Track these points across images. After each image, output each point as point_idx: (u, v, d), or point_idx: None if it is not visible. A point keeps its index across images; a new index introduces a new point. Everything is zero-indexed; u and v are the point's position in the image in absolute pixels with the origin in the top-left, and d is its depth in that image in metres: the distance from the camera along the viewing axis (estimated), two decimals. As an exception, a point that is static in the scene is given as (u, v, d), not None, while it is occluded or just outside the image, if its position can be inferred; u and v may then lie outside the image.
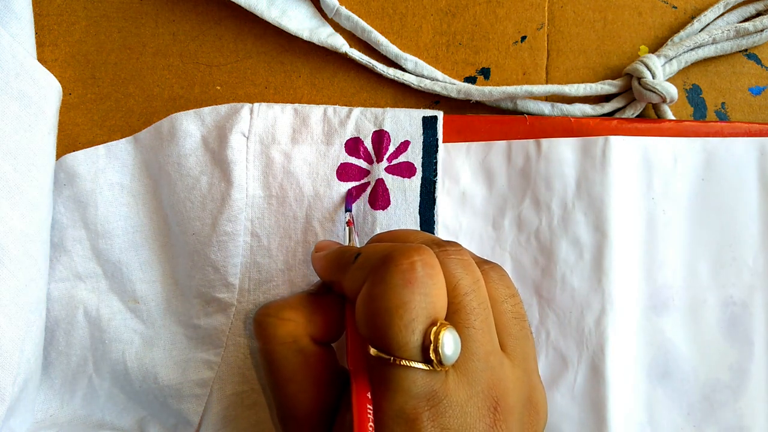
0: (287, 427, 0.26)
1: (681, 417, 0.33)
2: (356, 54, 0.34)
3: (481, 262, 0.26)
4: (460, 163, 0.33)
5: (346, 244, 0.30)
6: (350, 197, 0.31)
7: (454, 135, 0.33)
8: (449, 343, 0.21)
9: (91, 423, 0.32)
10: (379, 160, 0.32)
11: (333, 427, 0.25)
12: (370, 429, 0.21)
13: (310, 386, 0.25)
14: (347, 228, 0.30)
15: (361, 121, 0.32)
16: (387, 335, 0.21)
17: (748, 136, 0.34)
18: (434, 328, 0.21)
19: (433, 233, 0.31)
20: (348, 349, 0.25)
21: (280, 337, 0.25)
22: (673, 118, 0.35)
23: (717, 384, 0.33)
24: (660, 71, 0.34)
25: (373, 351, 0.22)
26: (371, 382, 0.23)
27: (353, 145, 0.32)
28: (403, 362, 0.21)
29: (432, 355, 0.21)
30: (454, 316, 0.23)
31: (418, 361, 0.21)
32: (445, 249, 0.24)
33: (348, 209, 0.31)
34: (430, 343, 0.21)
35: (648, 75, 0.33)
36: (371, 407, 0.22)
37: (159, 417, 0.32)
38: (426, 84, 0.35)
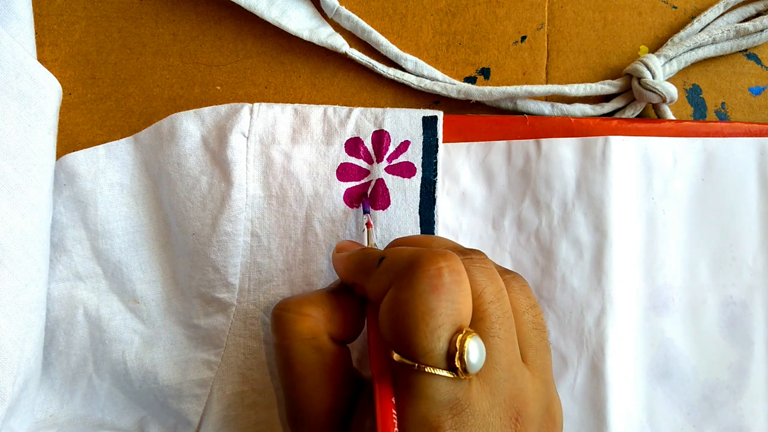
0: (296, 427, 0.26)
1: (681, 417, 0.33)
2: (356, 54, 0.34)
3: (503, 272, 0.26)
4: (460, 163, 0.33)
5: (366, 245, 0.30)
6: (366, 199, 0.31)
7: (454, 135, 0.33)
8: (474, 351, 0.21)
9: (91, 423, 0.32)
10: (379, 160, 0.32)
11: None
12: None
13: (324, 385, 0.25)
14: (366, 230, 0.30)
15: (361, 121, 0.32)
16: (412, 341, 0.21)
17: (748, 136, 0.34)
18: (460, 336, 0.21)
19: (433, 233, 0.31)
20: (370, 352, 0.25)
21: (298, 333, 0.25)
22: (673, 118, 0.35)
23: (717, 384, 0.33)
24: (660, 71, 0.34)
25: (396, 356, 0.22)
26: (394, 388, 0.22)
27: (353, 145, 0.32)
28: (428, 369, 0.21)
29: (457, 363, 0.21)
30: (478, 324, 0.23)
31: (442, 369, 0.21)
32: (469, 257, 0.24)
33: (366, 210, 0.31)
34: (456, 350, 0.21)
35: (648, 75, 0.33)
36: (395, 413, 0.22)
37: (159, 417, 0.32)
38: (426, 84, 0.35)
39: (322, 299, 0.26)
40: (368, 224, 0.30)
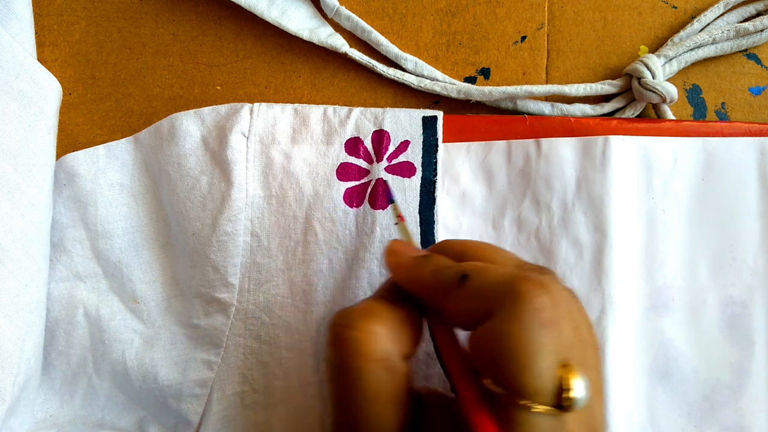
0: None
1: (681, 417, 0.33)
2: (356, 54, 0.34)
3: None
4: (460, 163, 0.33)
5: (400, 238, 0.28)
6: (389, 188, 0.31)
7: (454, 135, 0.33)
8: (580, 388, 0.20)
9: (91, 423, 0.32)
10: (379, 159, 0.32)
11: None
12: None
13: (394, 407, 0.23)
14: (400, 224, 0.29)
15: (360, 121, 0.32)
16: (519, 380, 0.20)
17: (748, 136, 0.34)
18: (565, 372, 0.20)
19: (433, 233, 0.31)
20: (453, 376, 0.23)
21: (370, 354, 0.23)
22: (673, 118, 0.35)
23: (717, 384, 0.33)
24: (660, 71, 0.34)
25: (493, 387, 0.21)
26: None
27: (353, 145, 0.32)
28: (535, 408, 0.20)
29: (564, 403, 0.20)
30: (573, 352, 0.22)
31: (548, 406, 0.20)
32: (549, 275, 0.23)
33: (392, 200, 0.30)
34: (565, 388, 0.20)
35: (648, 75, 0.33)
36: None
37: (159, 417, 0.32)
38: (426, 84, 0.35)
39: (387, 314, 0.24)
40: (400, 218, 0.29)
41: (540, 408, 0.20)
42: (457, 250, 0.26)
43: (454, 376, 0.23)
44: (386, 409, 0.23)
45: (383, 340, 0.23)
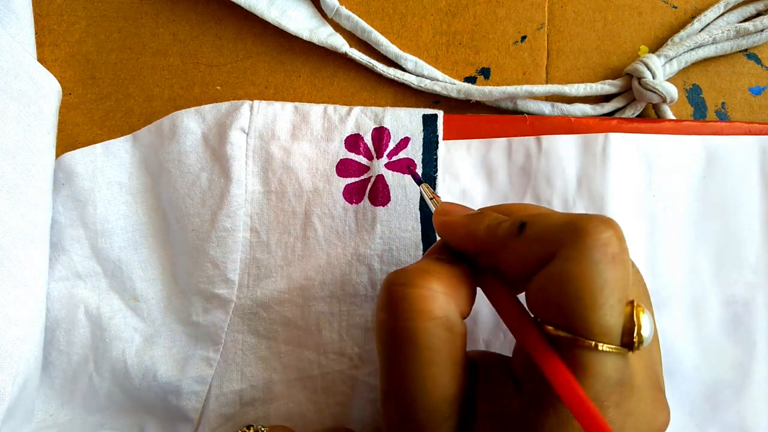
0: (406, 419, 0.23)
1: (683, 417, 0.32)
2: (356, 54, 0.34)
3: None
4: (461, 160, 0.33)
5: (432, 209, 0.27)
6: (415, 171, 0.31)
7: (454, 135, 0.33)
8: (647, 324, 0.20)
9: (91, 423, 0.32)
10: (379, 156, 0.32)
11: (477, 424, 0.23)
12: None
13: (452, 369, 0.22)
14: (423, 192, 0.28)
15: (361, 118, 0.32)
16: (588, 318, 0.19)
17: (748, 135, 0.34)
18: (632, 309, 0.20)
19: (434, 230, 0.31)
20: (514, 327, 0.22)
21: (429, 312, 0.22)
22: (673, 118, 0.35)
23: (719, 383, 0.33)
24: (660, 71, 0.34)
25: (558, 332, 0.20)
26: None
27: (353, 142, 0.32)
28: (603, 347, 0.20)
29: (634, 338, 0.20)
30: (635, 290, 0.22)
31: (617, 345, 0.20)
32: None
33: (420, 181, 0.29)
34: (633, 325, 0.20)
35: (648, 75, 0.33)
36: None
37: (159, 415, 0.32)
38: (426, 84, 0.35)
39: (444, 272, 0.23)
40: (436, 196, 0.28)
41: (607, 347, 0.20)
42: (502, 210, 0.25)
43: (516, 328, 0.22)
44: (444, 371, 0.22)
45: (442, 297, 0.22)
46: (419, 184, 0.29)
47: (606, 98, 0.36)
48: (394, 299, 0.22)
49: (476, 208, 0.30)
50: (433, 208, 0.27)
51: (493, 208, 0.26)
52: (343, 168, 0.32)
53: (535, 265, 0.21)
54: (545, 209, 0.25)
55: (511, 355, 0.25)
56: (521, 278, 0.22)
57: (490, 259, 0.23)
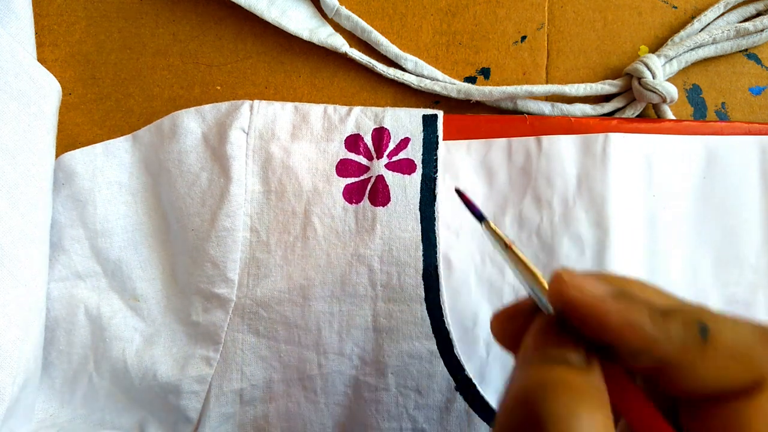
0: None
1: (683, 417, 0.32)
2: (356, 54, 0.34)
3: None
4: (461, 161, 0.33)
5: (516, 270, 0.20)
6: (470, 199, 0.23)
7: (454, 135, 0.33)
8: None
9: (91, 423, 0.32)
10: (379, 156, 0.32)
11: None
12: None
13: None
14: (509, 250, 0.20)
15: (361, 118, 0.32)
16: None
17: (748, 135, 0.34)
18: None
19: (434, 230, 0.31)
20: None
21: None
22: (673, 118, 0.35)
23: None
24: (660, 71, 0.34)
25: None
26: None
27: (353, 142, 0.32)
28: None
29: None
30: None
31: None
32: None
33: (481, 217, 0.22)
34: None
35: (648, 75, 0.33)
36: None
37: (159, 415, 0.32)
38: (426, 84, 0.35)
39: (596, 390, 0.17)
40: (509, 246, 0.20)
41: None
42: (629, 289, 0.19)
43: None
44: None
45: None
46: (480, 222, 0.22)
47: (606, 98, 0.36)
48: None
49: (480, 206, 0.28)
50: (505, 256, 0.21)
51: (611, 280, 0.19)
52: (343, 168, 0.32)
53: (722, 389, 0.17)
54: (653, 294, 0.19)
55: None
56: (689, 397, 0.18)
57: (664, 366, 0.17)
